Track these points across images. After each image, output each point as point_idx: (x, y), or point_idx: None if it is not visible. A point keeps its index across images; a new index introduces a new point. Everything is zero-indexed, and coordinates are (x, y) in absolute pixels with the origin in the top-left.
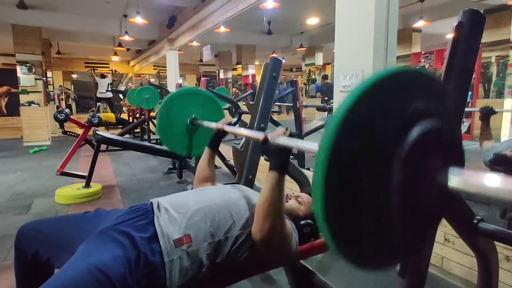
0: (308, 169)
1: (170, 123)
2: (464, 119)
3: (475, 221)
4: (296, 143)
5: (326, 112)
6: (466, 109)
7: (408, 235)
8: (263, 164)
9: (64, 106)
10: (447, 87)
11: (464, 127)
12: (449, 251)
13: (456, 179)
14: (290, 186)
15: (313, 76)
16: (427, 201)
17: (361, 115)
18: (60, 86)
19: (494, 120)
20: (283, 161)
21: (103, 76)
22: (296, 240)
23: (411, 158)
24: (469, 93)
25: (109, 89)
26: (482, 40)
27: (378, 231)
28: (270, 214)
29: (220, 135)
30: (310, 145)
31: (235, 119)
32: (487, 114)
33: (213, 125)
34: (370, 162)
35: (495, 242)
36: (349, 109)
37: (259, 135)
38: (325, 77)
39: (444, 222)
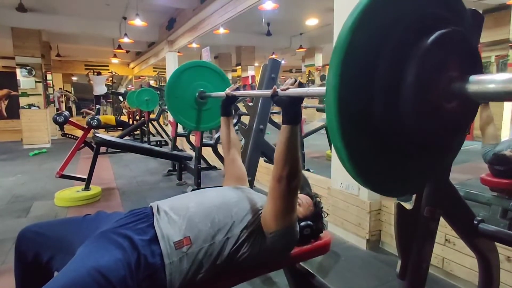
0: (308, 170)
1: (179, 97)
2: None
3: (476, 222)
4: (305, 91)
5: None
6: None
7: (426, 150)
8: (263, 165)
9: (64, 109)
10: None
11: None
12: (450, 252)
13: (476, 84)
14: None
15: (313, 77)
16: (448, 114)
17: (376, 17)
18: (60, 88)
19: (494, 120)
20: (295, 111)
21: (98, 73)
22: (297, 234)
23: (427, 64)
24: None
25: (108, 91)
26: (482, 40)
27: (394, 149)
28: (289, 161)
29: (230, 100)
30: (319, 89)
31: (235, 120)
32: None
33: (221, 94)
34: (384, 69)
35: (496, 243)
36: (357, 19)
37: (268, 92)
38: (323, 77)
39: (444, 222)
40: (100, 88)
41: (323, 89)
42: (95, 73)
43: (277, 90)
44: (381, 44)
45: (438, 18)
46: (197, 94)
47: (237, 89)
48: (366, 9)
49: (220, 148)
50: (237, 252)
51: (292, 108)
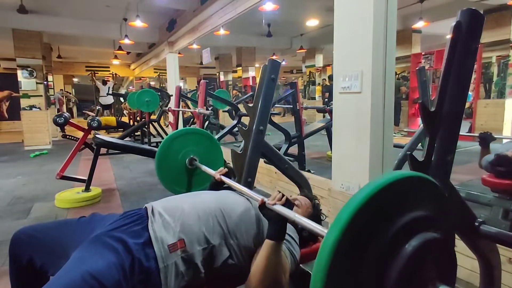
0: (309, 171)
1: (169, 163)
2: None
3: (477, 224)
4: (292, 215)
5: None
6: (465, 134)
7: None
8: (263, 166)
9: (65, 110)
10: (446, 196)
11: (465, 128)
12: None
13: None
14: (290, 188)
15: (314, 78)
16: None
17: (360, 223)
18: (61, 90)
19: (496, 121)
20: (279, 228)
21: (104, 82)
22: (296, 255)
23: (406, 268)
24: (469, 93)
25: (110, 92)
26: (483, 40)
27: None
28: (267, 281)
29: (218, 184)
30: (305, 220)
31: (235, 122)
32: (486, 140)
33: (211, 172)
34: (369, 265)
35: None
36: (353, 212)
37: (257, 197)
38: (331, 77)
39: None
40: (107, 98)
41: (309, 223)
42: (100, 80)
43: (265, 201)
44: (365, 249)
45: (425, 220)
46: (187, 161)
47: (227, 174)
48: (359, 208)
49: None
50: (234, 257)
51: (276, 224)
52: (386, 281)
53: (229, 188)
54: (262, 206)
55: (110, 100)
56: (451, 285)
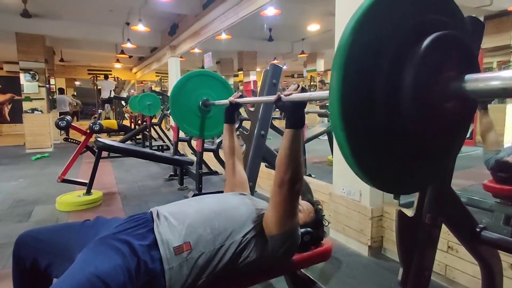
0: (310, 175)
1: (183, 105)
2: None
3: (478, 229)
4: (308, 95)
5: (327, 119)
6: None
7: (427, 149)
8: (264, 171)
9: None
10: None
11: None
12: (453, 259)
13: (473, 82)
14: None
15: (315, 82)
16: (447, 114)
17: (371, 26)
18: (72, 95)
19: (497, 126)
20: (299, 116)
21: (106, 77)
22: (299, 234)
23: (424, 65)
24: None
25: (111, 95)
26: (484, 46)
27: (396, 144)
28: (291, 166)
29: (233, 108)
30: (322, 93)
31: (236, 125)
32: (484, 101)
33: (225, 101)
34: (384, 72)
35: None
36: (359, 20)
37: (272, 97)
38: (322, 82)
39: (446, 229)
40: (108, 93)
41: (325, 93)
42: (103, 77)
43: (281, 95)
44: (381, 45)
45: (436, 22)
46: (200, 102)
47: (241, 96)
48: (367, 12)
49: (221, 153)
50: (238, 258)
51: (295, 113)
52: (404, 86)
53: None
54: (278, 100)
55: (109, 90)
56: (476, 71)
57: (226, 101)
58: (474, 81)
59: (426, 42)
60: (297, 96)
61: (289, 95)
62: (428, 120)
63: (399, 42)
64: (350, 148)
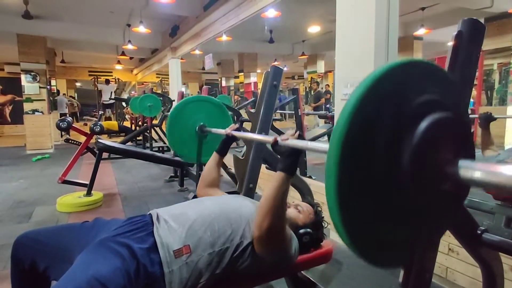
0: (310, 177)
1: (180, 130)
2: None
3: (479, 232)
4: (305, 144)
5: (324, 120)
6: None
7: (420, 230)
8: (265, 172)
9: (69, 115)
10: (455, 80)
11: None
12: (453, 261)
13: (467, 170)
14: (291, 194)
15: (316, 86)
16: (440, 196)
17: (371, 106)
18: (63, 94)
19: (498, 128)
20: (292, 162)
21: (107, 81)
22: (296, 248)
23: (420, 150)
24: (471, 100)
25: (112, 97)
26: (484, 48)
27: (391, 224)
28: (272, 212)
29: (229, 140)
30: (319, 145)
31: (237, 126)
32: (486, 120)
33: (221, 131)
34: (381, 153)
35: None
36: (360, 99)
37: (268, 138)
38: (318, 83)
39: (447, 232)
40: (109, 95)
41: (324, 146)
42: (103, 81)
43: (278, 139)
44: (380, 124)
45: (434, 103)
46: (197, 127)
47: (238, 129)
48: (367, 91)
49: None
50: (237, 261)
51: (289, 158)
52: (400, 165)
53: (234, 192)
54: (275, 144)
55: (109, 93)
56: (471, 158)
57: (222, 131)
58: (467, 169)
59: (423, 125)
60: (294, 143)
61: (286, 139)
62: (424, 199)
63: (397, 123)
64: (343, 221)
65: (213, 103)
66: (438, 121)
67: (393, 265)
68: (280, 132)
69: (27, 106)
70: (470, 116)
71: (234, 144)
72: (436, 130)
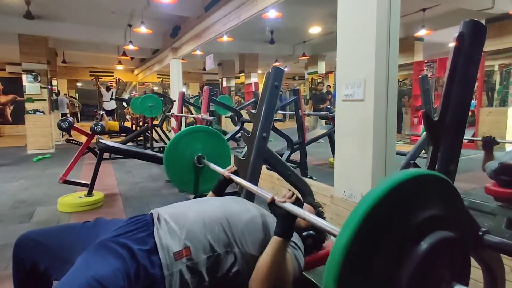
0: (311, 178)
1: (177, 160)
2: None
3: (480, 233)
4: (301, 213)
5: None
6: (469, 138)
7: None
8: (265, 173)
9: (69, 115)
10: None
11: (468, 135)
12: None
13: None
14: None
15: (316, 86)
16: None
17: (377, 218)
18: (64, 94)
19: (499, 129)
20: (287, 226)
21: (108, 88)
22: (301, 264)
23: (419, 269)
24: (472, 101)
25: (113, 97)
26: (485, 49)
27: None
28: (271, 278)
29: (226, 182)
30: (316, 219)
31: (238, 128)
32: (489, 144)
33: (219, 170)
34: (381, 267)
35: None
36: (364, 217)
37: (266, 195)
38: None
39: None
40: (110, 103)
41: (320, 221)
42: (104, 86)
43: (275, 200)
44: (381, 245)
45: (437, 220)
46: (195, 158)
47: (235, 172)
48: (376, 203)
49: None
50: (239, 264)
51: (285, 221)
52: (400, 281)
53: (235, 193)
54: (272, 203)
55: (113, 105)
56: (465, 284)
57: (220, 170)
58: None
59: (425, 244)
60: (290, 208)
61: (283, 202)
62: None
63: (401, 237)
64: None
65: (210, 132)
66: (440, 241)
67: None
68: (281, 134)
69: (28, 106)
70: (472, 139)
71: (234, 145)
72: (437, 250)
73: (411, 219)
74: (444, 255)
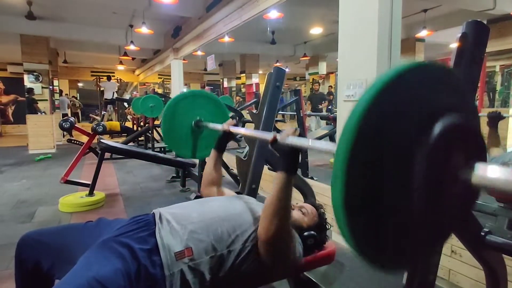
0: (312, 178)
1: (175, 125)
2: None
3: (483, 234)
4: (306, 143)
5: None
6: None
7: (430, 234)
8: (267, 173)
9: (70, 115)
10: (464, 82)
11: None
12: (456, 264)
13: (481, 175)
14: (293, 195)
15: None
16: (450, 200)
17: (382, 109)
18: (66, 94)
19: (500, 130)
20: (292, 162)
21: (109, 78)
22: (300, 251)
23: (434, 154)
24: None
25: (114, 97)
26: (487, 50)
27: (398, 229)
28: (277, 215)
29: (226, 137)
30: (321, 143)
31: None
32: (494, 119)
33: (218, 127)
34: (392, 159)
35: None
36: (370, 101)
37: (267, 136)
38: (316, 83)
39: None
40: (111, 94)
41: (326, 144)
42: (106, 78)
43: (277, 138)
44: (390, 132)
45: (445, 106)
46: (193, 123)
47: (236, 124)
48: (384, 87)
49: (224, 156)
50: (240, 265)
51: (289, 156)
52: (413, 167)
53: (237, 193)
54: (274, 142)
55: (112, 92)
56: (484, 160)
57: (219, 127)
58: (482, 174)
59: (439, 126)
60: (294, 141)
61: (286, 137)
62: (434, 205)
63: (412, 124)
64: (351, 235)
65: (209, 97)
66: (452, 124)
67: (398, 270)
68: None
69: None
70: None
71: (236, 145)
72: (450, 133)
73: (419, 107)
74: (458, 139)
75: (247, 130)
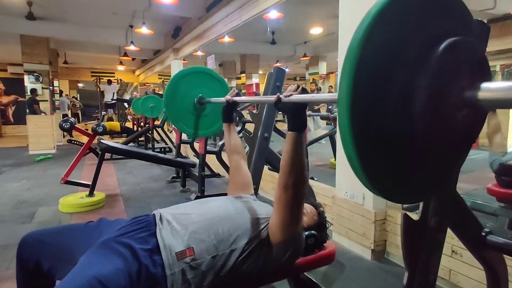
0: (312, 178)
1: (177, 102)
2: None
3: (483, 234)
4: (309, 97)
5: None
6: None
7: (436, 158)
8: (267, 173)
9: (70, 115)
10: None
11: None
12: (457, 264)
13: (488, 89)
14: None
15: (317, 86)
16: (458, 124)
17: (385, 29)
18: (66, 95)
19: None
20: (300, 118)
21: (110, 82)
22: (302, 245)
23: (438, 74)
24: None
25: (114, 97)
26: (487, 49)
27: (404, 157)
28: (294, 170)
29: (231, 107)
30: (325, 96)
31: (239, 128)
32: None
33: (221, 99)
34: (396, 79)
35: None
36: (372, 23)
37: (271, 98)
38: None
39: (451, 233)
40: (111, 96)
41: (328, 95)
42: (105, 82)
43: (280, 96)
44: (395, 48)
45: (448, 29)
46: (195, 100)
47: (237, 94)
48: (381, 12)
49: (224, 156)
50: (241, 265)
51: (296, 115)
52: (418, 90)
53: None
54: (278, 102)
55: (112, 93)
56: (489, 80)
57: (222, 99)
58: (490, 90)
59: (442, 46)
60: (298, 97)
61: (289, 96)
62: (440, 129)
63: (414, 45)
64: (359, 159)
65: (210, 74)
66: (455, 44)
67: (410, 201)
68: (283, 134)
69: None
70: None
71: None
72: (453, 53)
73: (419, 29)
74: (461, 58)
75: (250, 98)
